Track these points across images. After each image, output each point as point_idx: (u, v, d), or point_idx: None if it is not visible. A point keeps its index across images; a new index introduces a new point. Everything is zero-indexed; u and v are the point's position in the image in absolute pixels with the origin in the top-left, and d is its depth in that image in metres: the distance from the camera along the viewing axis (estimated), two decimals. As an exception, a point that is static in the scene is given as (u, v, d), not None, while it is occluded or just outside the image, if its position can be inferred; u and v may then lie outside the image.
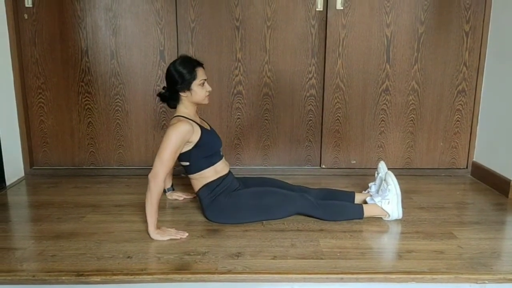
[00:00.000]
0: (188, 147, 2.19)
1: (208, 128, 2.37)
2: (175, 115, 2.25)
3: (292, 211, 2.31)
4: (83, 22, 2.96)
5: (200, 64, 2.23)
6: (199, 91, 2.20)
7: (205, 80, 2.23)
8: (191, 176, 2.29)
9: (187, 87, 2.18)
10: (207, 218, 2.32)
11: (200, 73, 2.20)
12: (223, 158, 2.36)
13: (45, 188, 2.88)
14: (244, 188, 2.35)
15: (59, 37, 2.98)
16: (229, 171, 2.38)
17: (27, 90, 3.06)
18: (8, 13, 2.87)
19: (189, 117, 2.22)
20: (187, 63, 2.19)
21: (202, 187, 2.27)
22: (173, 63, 2.21)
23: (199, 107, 2.37)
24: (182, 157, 2.23)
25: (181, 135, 2.11)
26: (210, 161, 2.26)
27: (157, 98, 2.33)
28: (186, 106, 2.24)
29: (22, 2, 2.92)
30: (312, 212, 2.29)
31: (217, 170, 2.29)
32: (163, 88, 2.27)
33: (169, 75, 2.20)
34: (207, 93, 2.24)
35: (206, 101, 2.27)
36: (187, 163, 2.25)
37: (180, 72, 2.16)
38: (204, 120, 2.44)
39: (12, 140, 2.99)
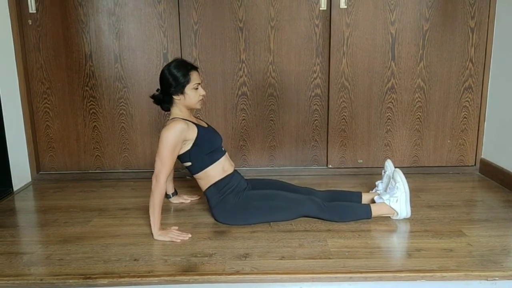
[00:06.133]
0: (187, 146, 2.19)
1: (205, 125, 2.36)
2: (170, 118, 2.25)
3: (300, 213, 2.30)
4: (87, 27, 2.97)
5: (194, 68, 2.23)
6: (192, 95, 2.20)
7: (199, 84, 2.23)
8: (196, 176, 2.29)
9: (181, 91, 2.18)
10: (214, 218, 2.31)
11: (194, 77, 2.20)
12: (226, 154, 2.35)
13: (51, 193, 2.88)
14: (251, 189, 2.34)
15: (63, 42, 2.99)
16: (235, 170, 2.37)
17: (33, 95, 3.07)
18: (12, 19, 2.89)
19: (183, 118, 2.22)
20: (181, 67, 2.19)
21: (210, 186, 2.26)
22: (167, 66, 2.21)
23: (194, 110, 2.37)
24: (183, 158, 2.23)
25: (176, 133, 2.11)
26: (213, 157, 2.25)
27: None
28: (180, 109, 2.25)
29: (26, 8, 2.93)
30: (320, 215, 2.28)
31: (224, 168, 2.28)
32: (157, 90, 2.27)
33: (163, 78, 2.20)
34: (201, 97, 2.24)
35: (198, 106, 2.27)
36: (189, 163, 2.25)
37: (174, 75, 2.16)
38: (201, 119, 2.44)
39: (18, 145, 3.00)
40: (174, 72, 2.17)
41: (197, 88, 2.21)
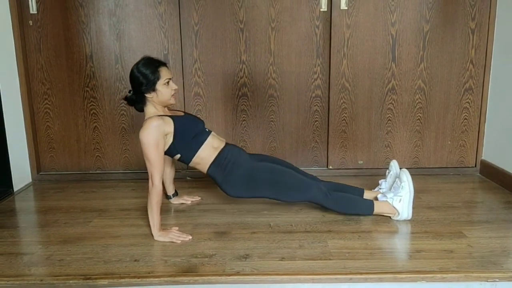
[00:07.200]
0: (169, 140, 2.20)
1: (181, 114, 2.37)
2: (146, 118, 2.22)
3: (305, 197, 2.30)
4: (87, 28, 2.97)
5: (163, 64, 2.22)
6: (164, 90, 2.19)
7: (170, 79, 2.22)
8: (191, 163, 2.30)
9: (152, 88, 2.17)
10: (225, 193, 2.32)
11: (164, 73, 2.19)
12: (212, 133, 2.36)
13: (52, 194, 2.88)
14: (259, 161, 2.35)
15: (64, 43, 3.00)
16: (228, 143, 2.38)
17: (33, 96, 3.07)
18: (13, 20, 2.89)
19: (158, 115, 2.21)
20: (150, 64, 2.19)
21: (209, 166, 2.28)
22: (136, 65, 2.20)
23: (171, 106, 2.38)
24: (170, 152, 2.24)
25: (153, 130, 2.10)
26: (198, 140, 2.26)
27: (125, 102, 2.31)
28: (154, 106, 2.23)
29: (27, 9, 2.94)
30: (324, 202, 2.29)
31: (214, 146, 2.30)
32: (129, 91, 2.26)
33: (133, 78, 2.19)
34: (173, 92, 2.24)
35: (172, 101, 2.26)
36: (179, 155, 2.27)
37: (144, 73, 2.16)
38: (176, 110, 2.44)
39: (19, 146, 3.00)
40: (143, 70, 2.16)
41: (168, 83, 2.21)
